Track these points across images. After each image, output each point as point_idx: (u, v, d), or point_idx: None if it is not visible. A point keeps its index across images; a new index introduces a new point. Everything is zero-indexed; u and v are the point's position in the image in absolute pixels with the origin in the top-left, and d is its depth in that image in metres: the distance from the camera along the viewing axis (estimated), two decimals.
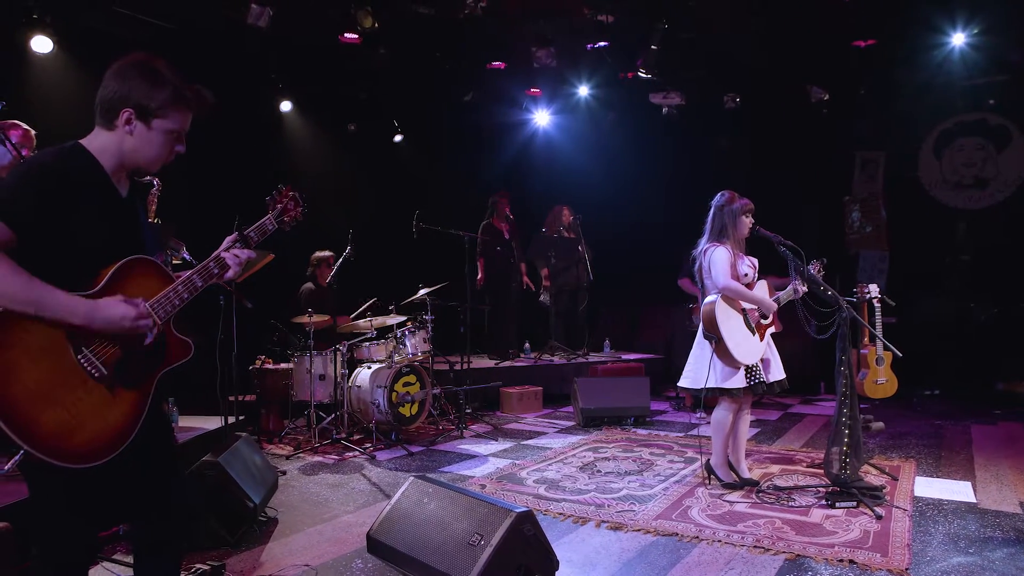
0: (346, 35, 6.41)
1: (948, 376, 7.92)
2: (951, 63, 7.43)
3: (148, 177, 4.63)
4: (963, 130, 8.56)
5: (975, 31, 7.03)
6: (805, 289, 4.30)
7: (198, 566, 3.18)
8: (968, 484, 4.48)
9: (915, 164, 8.79)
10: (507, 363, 7.93)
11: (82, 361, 1.86)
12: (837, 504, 3.99)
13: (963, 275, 8.34)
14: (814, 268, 4.39)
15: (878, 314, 4.77)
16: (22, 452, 1.76)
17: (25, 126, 4.07)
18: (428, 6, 5.90)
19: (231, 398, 4.97)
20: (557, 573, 3.13)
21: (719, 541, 3.51)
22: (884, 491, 4.19)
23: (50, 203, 1.83)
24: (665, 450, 5.50)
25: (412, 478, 3.18)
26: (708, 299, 4.18)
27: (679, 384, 4.38)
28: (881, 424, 4.71)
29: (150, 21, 6.12)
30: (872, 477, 4.60)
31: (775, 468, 4.90)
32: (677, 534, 3.63)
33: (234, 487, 3.46)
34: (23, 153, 3.99)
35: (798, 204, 8.89)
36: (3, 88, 5.22)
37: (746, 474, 4.46)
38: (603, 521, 3.85)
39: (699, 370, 4.21)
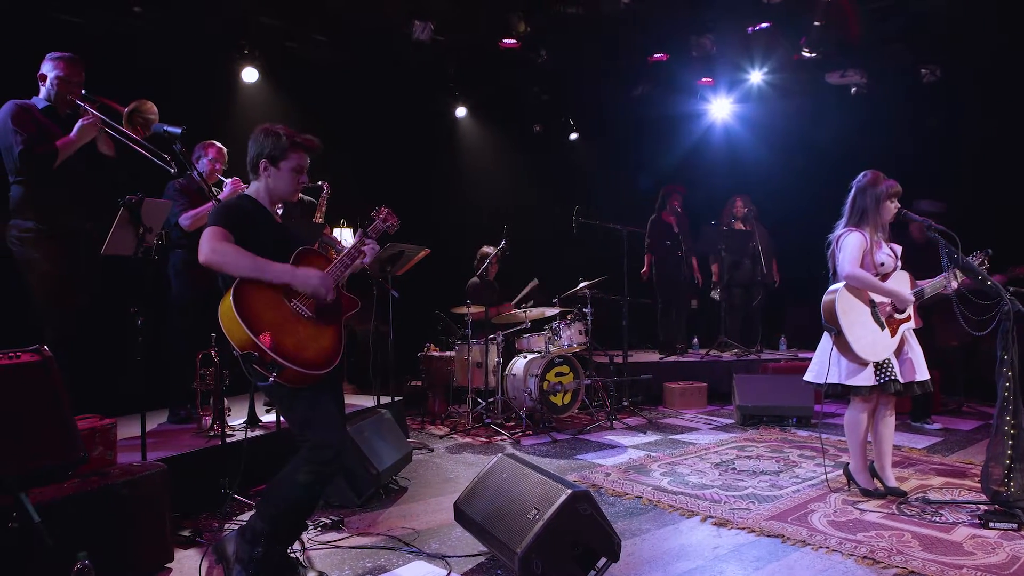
0: (505, 41, 6.73)
1: None
2: None
3: (319, 182, 5.34)
4: None
5: None
6: (959, 280, 3.82)
7: (322, 519, 3.65)
8: None
9: None
10: (672, 358, 7.80)
11: (294, 307, 2.75)
12: (991, 524, 3.51)
13: None
14: (976, 259, 3.89)
15: None
16: (275, 373, 2.56)
17: (219, 144, 4.85)
18: (575, 6, 6.03)
19: (400, 380, 5.51)
20: (645, 560, 3.18)
21: (825, 548, 3.28)
22: None
23: (241, 222, 2.77)
24: (818, 453, 5.12)
25: (501, 455, 3.37)
26: (831, 288, 3.88)
27: (804, 378, 4.10)
28: None
29: (339, 45, 6.92)
30: None
31: (937, 480, 4.38)
32: (782, 536, 3.45)
33: (359, 454, 3.90)
34: (217, 167, 4.81)
35: None
36: (216, 114, 6.26)
37: (892, 483, 4.05)
38: (709, 516, 3.76)
39: (822, 363, 3.92)
